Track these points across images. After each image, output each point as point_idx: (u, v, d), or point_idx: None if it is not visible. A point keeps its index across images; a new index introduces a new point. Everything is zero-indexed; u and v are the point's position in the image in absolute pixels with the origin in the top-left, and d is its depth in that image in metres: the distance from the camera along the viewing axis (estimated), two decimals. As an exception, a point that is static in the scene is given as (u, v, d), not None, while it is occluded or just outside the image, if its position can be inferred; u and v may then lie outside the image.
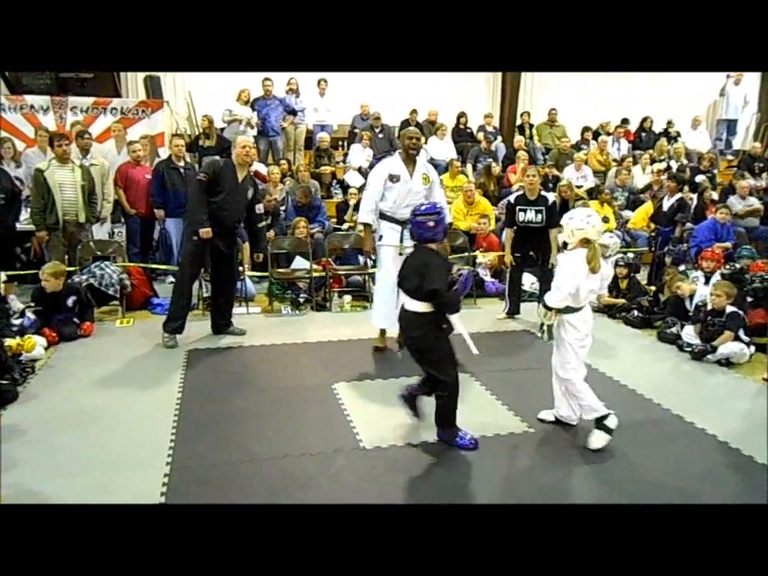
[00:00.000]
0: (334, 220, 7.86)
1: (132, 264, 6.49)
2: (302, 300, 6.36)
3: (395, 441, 3.49)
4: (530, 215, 5.67)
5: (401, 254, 4.56)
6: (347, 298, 6.43)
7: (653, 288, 6.51)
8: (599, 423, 3.49)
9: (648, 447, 3.50)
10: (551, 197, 5.90)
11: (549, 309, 3.49)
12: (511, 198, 5.98)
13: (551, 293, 3.47)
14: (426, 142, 9.63)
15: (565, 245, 3.55)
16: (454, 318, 3.29)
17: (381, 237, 4.82)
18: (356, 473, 3.17)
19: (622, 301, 6.19)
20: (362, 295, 6.55)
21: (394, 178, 4.67)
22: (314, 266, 6.50)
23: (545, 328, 3.54)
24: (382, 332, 5.05)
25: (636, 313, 5.92)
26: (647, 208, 8.35)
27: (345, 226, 7.60)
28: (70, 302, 5.29)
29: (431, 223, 3.31)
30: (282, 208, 7.51)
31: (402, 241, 4.66)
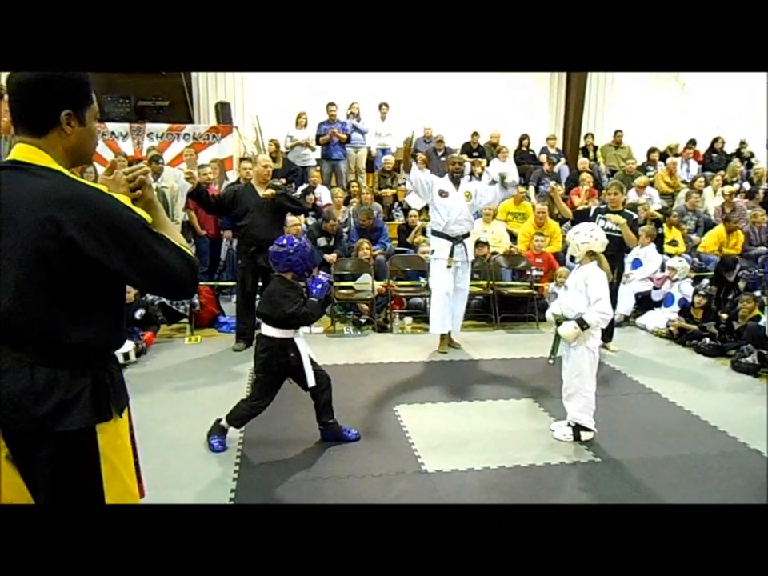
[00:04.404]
0: (396, 242, 7.93)
1: (201, 283, 6.72)
2: (363, 321, 6.43)
3: (457, 465, 3.47)
4: (609, 223, 5.50)
5: (449, 266, 5.30)
6: (408, 319, 6.46)
7: (724, 315, 6.25)
8: (579, 428, 3.78)
9: (721, 482, 3.35)
10: (635, 214, 5.74)
11: (586, 327, 3.61)
12: (592, 209, 5.86)
13: (600, 307, 3.58)
14: (488, 164, 9.64)
15: (572, 258, 3.76)
16: (301, 345, 3.49)
17: (433, 251, 5.45)
18: (417, 496, 3.16)
19: (693, 327, 5.97)
20: (423, 317, 6.56)
21: (443, 193, 5.29)
22: (377, 285, 6.56)
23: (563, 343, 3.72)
24: (442, 337, 5.57)
25: (708, 340, 5.70)
26: (719, 231, 8.07)
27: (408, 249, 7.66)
28: (138, 314, 5.51)
29: (286, 255, 3.48)
30: (345, 230, 7.63)
31: (451, 255, 5.29)
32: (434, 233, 5.42)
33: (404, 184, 8.59)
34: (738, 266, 6.67)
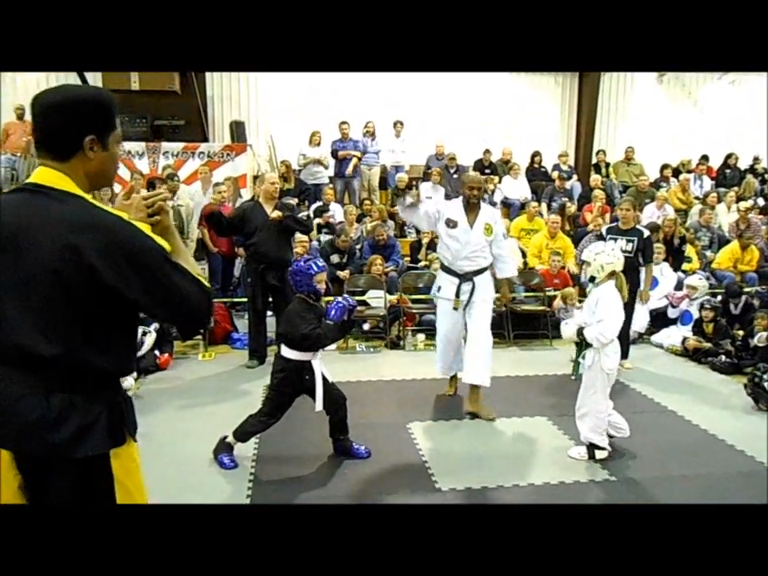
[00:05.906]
0: (408, 259, 7.95)
1: (215, 300, 6.75)
2: (368, 328, 6.42)
3: (471, 483, 3.45)
4: (620, 243, 5.39)
5: (455, 308, 4.48)
6: (420, 336, 6.45)
7: (740, 332, 6.19)
8: (594, 447, 3.74)
9: (739, 503, 3.30)
10: (646, 231, 5.72)
11: (588, 345, 3.64)
12: (603, 229, 5.87)
13: (602, 328, 3.57)
14: (500, 182, 9.66)
15: (592, 279, 3.73)
16: (317, 369, 3.51)
17: (439, 288, 4.64)
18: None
19: (708, 345, 5.93)
20: (436, 334, 6.55)
21: (450, 223, 4.41)
22: (389, 297, 6.56)
23: (580, 360, 3.75)
24: (452, 378, 4.88)
25: (723, 358, 5.64)
26: (733, 248, 8.01)
27: (419, 264, 7.67)
28: (153, 327, 5.50)
29: (292, 276, 3.55)
30: (358, 247, 7.66)
31: (458, 295, 4.45)
32: (442, 267, 4.67)
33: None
34: (743, 297, 6.59)
